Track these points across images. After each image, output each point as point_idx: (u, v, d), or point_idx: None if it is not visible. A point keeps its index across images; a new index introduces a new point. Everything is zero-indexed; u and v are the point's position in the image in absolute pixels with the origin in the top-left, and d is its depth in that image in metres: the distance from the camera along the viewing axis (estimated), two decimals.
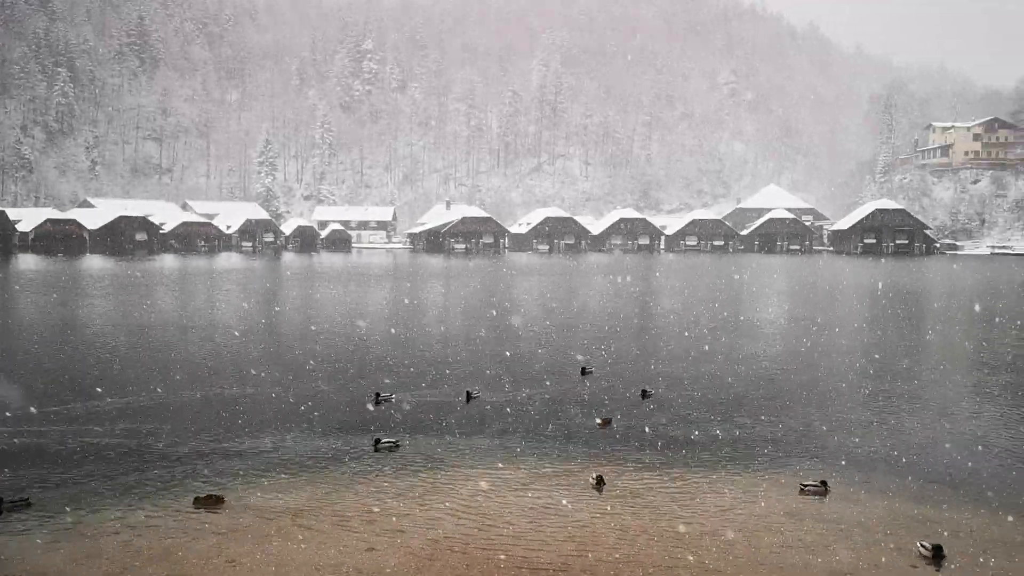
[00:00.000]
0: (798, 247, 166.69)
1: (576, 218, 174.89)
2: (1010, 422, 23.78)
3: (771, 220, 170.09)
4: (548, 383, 28.63)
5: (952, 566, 14.05)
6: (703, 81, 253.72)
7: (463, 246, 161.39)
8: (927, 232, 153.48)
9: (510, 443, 21.35)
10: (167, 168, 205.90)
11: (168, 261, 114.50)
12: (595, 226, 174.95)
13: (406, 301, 59.46)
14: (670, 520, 16.10)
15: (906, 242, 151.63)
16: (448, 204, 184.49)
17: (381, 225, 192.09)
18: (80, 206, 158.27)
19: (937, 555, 14.17)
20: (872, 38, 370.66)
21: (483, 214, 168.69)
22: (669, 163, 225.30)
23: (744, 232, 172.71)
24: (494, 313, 50.89)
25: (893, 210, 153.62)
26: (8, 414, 23.38)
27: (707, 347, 36.83)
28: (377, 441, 20.85)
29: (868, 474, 18.93)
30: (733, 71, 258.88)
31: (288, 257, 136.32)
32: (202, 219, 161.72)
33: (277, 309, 54.77)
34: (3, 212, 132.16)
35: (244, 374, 29.88)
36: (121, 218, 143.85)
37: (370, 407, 24.85)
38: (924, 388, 28.45)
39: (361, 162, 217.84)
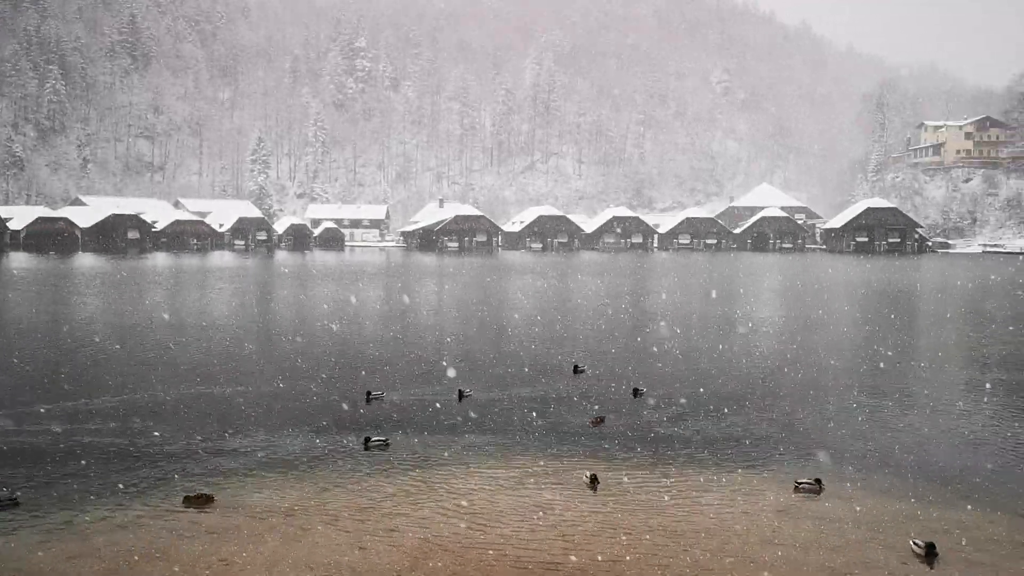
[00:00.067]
0: (791, 245, 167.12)
1: (569, 216, 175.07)
2: (1002, 419, 23.82)
3: (764, 218, 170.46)
4: (540, 382, 28.59)
5: (945, 564, 14.05)
6: (696, 80, 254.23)
7: (456, 244, 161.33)
8: (919, 231, 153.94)
9: (502, 442, 21.30)
10: (159, 166, 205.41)
11: (160, 259, 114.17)
12: (588, 224, 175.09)
13: (399, 300, 59.37)
14: (663, 518, 16.06)
15: (898, 240, 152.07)
16: (441, 202, 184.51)
17: (374, 223, 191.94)
18: (72, 204, 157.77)
19: (930, 552, 14.16)
20: (865, 37, 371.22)
21: (476, 212, 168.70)
22: (662, 161, 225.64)
23: (737, 230, 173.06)
24: (486, 312, 50.85)
25: (885, 209, 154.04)
26: None
27: (699, 345, 36.85)
28: (367, 440, 20.76)
29: (862, 472, 18.93)
30: (726, 70, 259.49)
31: (281, 255, 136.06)
32: (195, 217, 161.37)
33: (269, 307, 54.66)
34: None
35: (235, 372, 29.77)
36: (113, 216, 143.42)
37: (361, 408, 24.78)
38: (916, 386, 28.47)
39: (354, 160, 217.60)
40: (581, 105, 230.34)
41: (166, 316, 47.01)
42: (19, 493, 17.00)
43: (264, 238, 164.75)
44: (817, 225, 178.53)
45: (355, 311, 52.01)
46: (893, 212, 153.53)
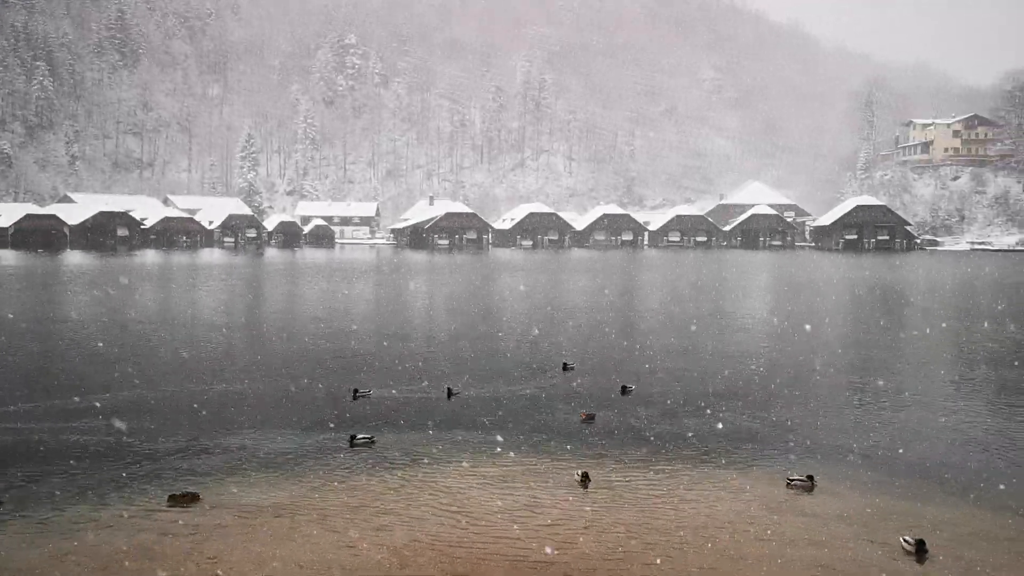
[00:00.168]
0: (780, 243, 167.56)
1: (560, 214, 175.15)
2: (991, 416, 23.90)
3: (753, 216, 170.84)
4: (529, 379, 28.54)
5: (935, 560, 14.07)
6: (687, 78, 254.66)
7: (446, 242, 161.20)
8: (908, 228, 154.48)
9: (492, 439, 21.24)
10: (148, 163, 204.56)
11: (149, 257, 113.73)
12: (578, 222, 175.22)
13: (387, 297, 59.27)
14: (655, 515, 16.03)
15: (887, 238, 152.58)
16: (431, 200, 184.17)
17: (364, 221, 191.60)
18: (60, 201, 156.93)
19: (920, 549, 14.19)
20: (854, 35, 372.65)
21: (467, 210, 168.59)
22: (652, 159, 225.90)
23: (727, 228, 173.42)
24: (476, 309, 50.80)
25: (874, 206, 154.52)
26: None
27: (689, 342, 36.85)
28: (352, 437, 20.67)
29: (853, 468, 18.94)
30: (716, 68, 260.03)
31: (271, 253, 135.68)
32: (184, 214, 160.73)
33: (258, 305, 54.46)
34: None
35: (222, 371, 29.64)
36: (102, 213, 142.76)
37: (348, 406, 24.69)
38: (906, 382, 28.54)
39: (344, 157, 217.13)
40: (571, 103, 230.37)
41: (154, 314, 46.81)
42: (3, 492, 16.88)
43: (254, 235, 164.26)
44: (806, 223, 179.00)
45: (344, 308, 51.88)
46: (882, 210, 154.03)
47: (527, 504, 16.64)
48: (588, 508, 16.43)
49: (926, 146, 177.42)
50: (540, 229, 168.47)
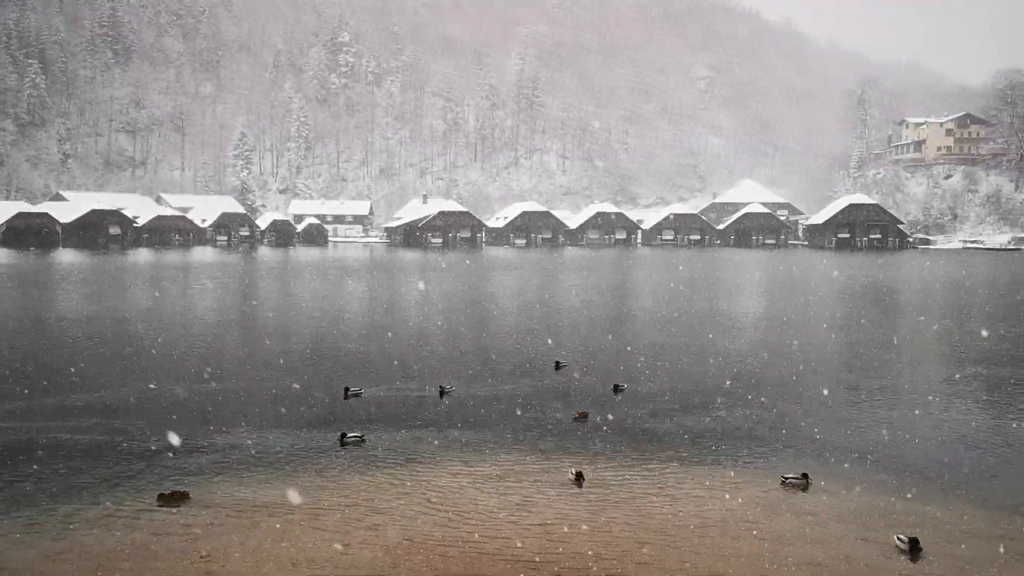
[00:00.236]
0: (773, 241, 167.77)
1: (553, 212, 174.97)
2: (984, 414, 23.98)
3: (747, 215, 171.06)
4: (522, 377, 28.54)
5: (928, 558, 14.11)
6: (680, 76, 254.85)
7: (440, 240, 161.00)
8: (900, 227, 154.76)
9: (484, 438, 21.24)
10: (140, 161, 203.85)
11: (142, 255, 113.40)
12: (572, 220, 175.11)
13: (380, 295, 59.22)
14: (649, 514, 16.03)
15: (879, 236, 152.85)
16: (425, 198, 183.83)
17: (358, 219, 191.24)
18: (52, 199, 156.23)
19: (914, 547, 14.23)
20: (847, 34, 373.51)
21: (460, 208, 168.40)
22: (646, 157, 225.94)
23: (720, 227, 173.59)
24: (468, 307, 50.77)
25: (867, 205, 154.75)
26: None
27: (683, 341, 36.89)
28: (343, 436, 20.65)
29: (847, 467, 18.98)
30: (709, 66, 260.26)
31: (264, 251, 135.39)
32: (176, 213, 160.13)
33: (251, 304, 54.34)
34: None
35: (213, 369, 29.58)
36: (94, 212, 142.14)
37: (340, 405, 24.66)
38: (899, 381, 28.62)
39: (337, 156, 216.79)
40: (565, 101, 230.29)
41: (146, 312, 46.68)
42: None
43: (247, 234, 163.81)
44: (799, 221, 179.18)
45: (337, 307, 51.83)
46: (875, 208, 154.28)
47: (520, 503, 16.63)
48: (582, 507, 16.43)
49: (919, 145, 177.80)
50: (534, 227, 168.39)
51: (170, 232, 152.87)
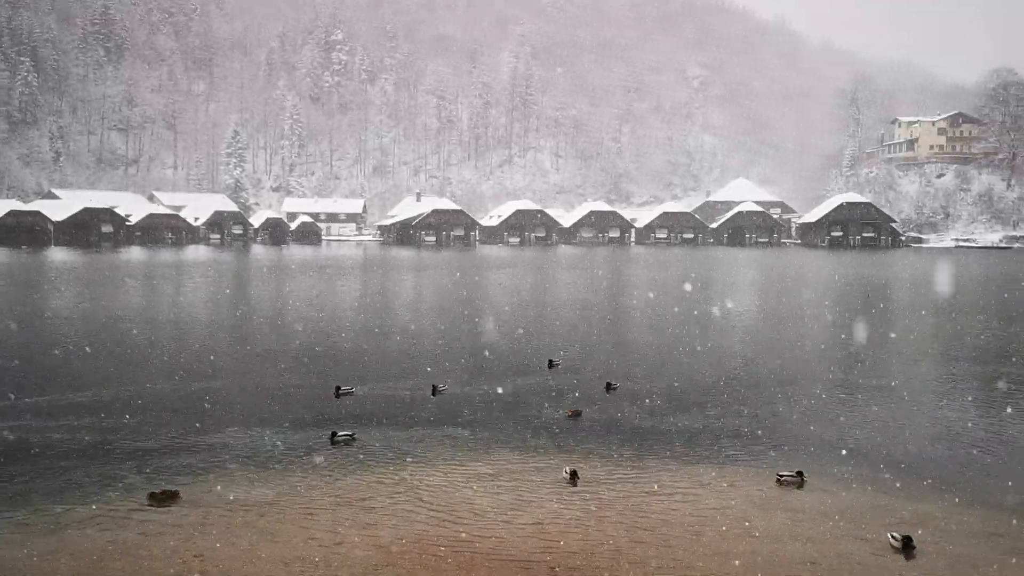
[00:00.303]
0: (766, 240, 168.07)
1: (547, 210, 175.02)
2: (977, 412, 24.01)
3: (740, 213, 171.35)
4: (515, 376, 28.50)
5: (922, 556, 14.12)
6: (673, 74, 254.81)
7: (434, 238, 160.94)
8: (893, 225, 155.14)
9: (478, 436, 21.21)
10: (133, 159, 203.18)
11: (134, 254, 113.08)
12: (566, 219, 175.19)
13: (373, 294, 59.12)
14: (643, 512, 16.00)
15: (872, 235, 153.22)
16: (419, 196, 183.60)
17: (351, 217, 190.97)
18: (44, 197, 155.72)
19: (907, 545, 14.25)
20: (839, 32, 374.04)
21: (454, 206, 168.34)
22: (639, 156, 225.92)
23: (713, 225, 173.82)
24: (462, 307, 50.73)
25: (859, 203, 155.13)
26: None
27: (676, 339, 36.90)
28: (333, 434, 20.59)
29: (842, 465, 18.97)
30: (703, 64, 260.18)
31: (257, 250, 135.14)
32: (169, 211, 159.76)
33: (243, 302, 54.22)
34: None
35: (204, 368, 29.50)
36: (86, 210, 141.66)
37: (331, 404, 24.60)
38: (894, 379, 28.65)
39: (331, 154, 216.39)
40: (558, 99, 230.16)
41: (136, 311, 46.54)
42: None
43: (240, 232, 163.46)
44: (792, 220, 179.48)
45: (329, 306, 51.74)
46: (867, 207, 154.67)
47: (513, 501, 16.59)
48: (577, 506, 16.40)
49: (911, 143, 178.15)
50: (527, 226, 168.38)
51: (163, 230, 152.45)
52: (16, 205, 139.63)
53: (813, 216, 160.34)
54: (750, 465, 19.04)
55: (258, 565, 13.71)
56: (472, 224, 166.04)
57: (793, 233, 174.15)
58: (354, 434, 20.72)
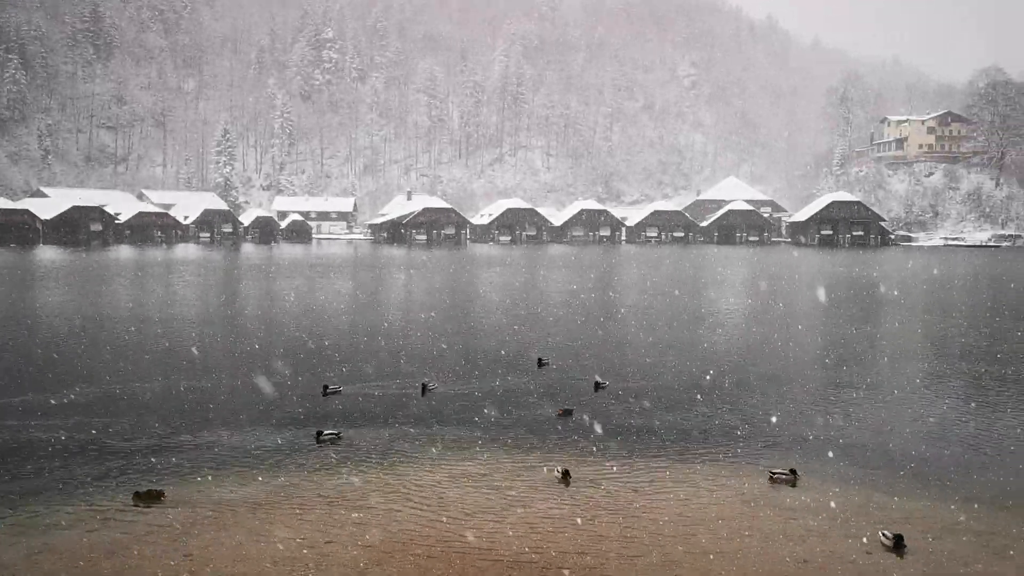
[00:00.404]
0: (757, 238, 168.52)
1: (538, 209, 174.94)
2: (969, 410, 24.04)
3: (730, 212, 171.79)
4: (504, 375, 28.43)
5: (913, 554, 14.11)
6: (664, 73, 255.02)
7: (424, 237, 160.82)
8: (882, 224, 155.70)
9: (468, 435, 21.13)
10: (122, 157, 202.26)
11: (123, 252, 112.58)
12: (557, 217, 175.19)
13: (363, 292, 58.98)
14: (635, 511, 15.95)
15: (862, 234, 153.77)
16: (409, 195, 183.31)
17: (342, 216, 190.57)
18: (33, 196, 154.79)
19: (898, 544, 14.24)
20: (829, 32, 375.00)
21: (444, 205, 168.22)
22: (630, 155, 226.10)
23: (704, 224, 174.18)
24: (452, 305, 50.64)
25: (849, 202, 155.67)
26: None
27: (666, 338, 36.89)
28: (319, 433, 20.49)
29: (834, 463, 18.96)
30: (693, 63, 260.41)
31: (247, 248, 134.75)
32: (159, 209, 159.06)
33: (232, 301, 54.01)
34: None
35: (191, 367, 29.34)
36: (75, 208, 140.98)
37: (318, 402, 24.49)
38: (885, 377, 28.69)
39: (321, 152, 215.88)
40: (549, 98, 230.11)
41: (124, 310, 46.31)
42: None
43: (230, 230, 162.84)
44: (783, 218, 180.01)
45: (319, 304, 51.58)
46: (857, 206, 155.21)
47: (503, 499, 16.52)
48: (568, 504, 16.34)
49: (900, 143, 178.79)
50: (518, 224, 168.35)
51: (152, 229, 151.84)
52: (4, 203, 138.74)
53: (803, 215, 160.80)
54: (742, 463, 19.01)
55: (247, 565, 13.61)
56: (463, 223, 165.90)
57: (783, 232, 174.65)
58: (340, 433, 20.61)
